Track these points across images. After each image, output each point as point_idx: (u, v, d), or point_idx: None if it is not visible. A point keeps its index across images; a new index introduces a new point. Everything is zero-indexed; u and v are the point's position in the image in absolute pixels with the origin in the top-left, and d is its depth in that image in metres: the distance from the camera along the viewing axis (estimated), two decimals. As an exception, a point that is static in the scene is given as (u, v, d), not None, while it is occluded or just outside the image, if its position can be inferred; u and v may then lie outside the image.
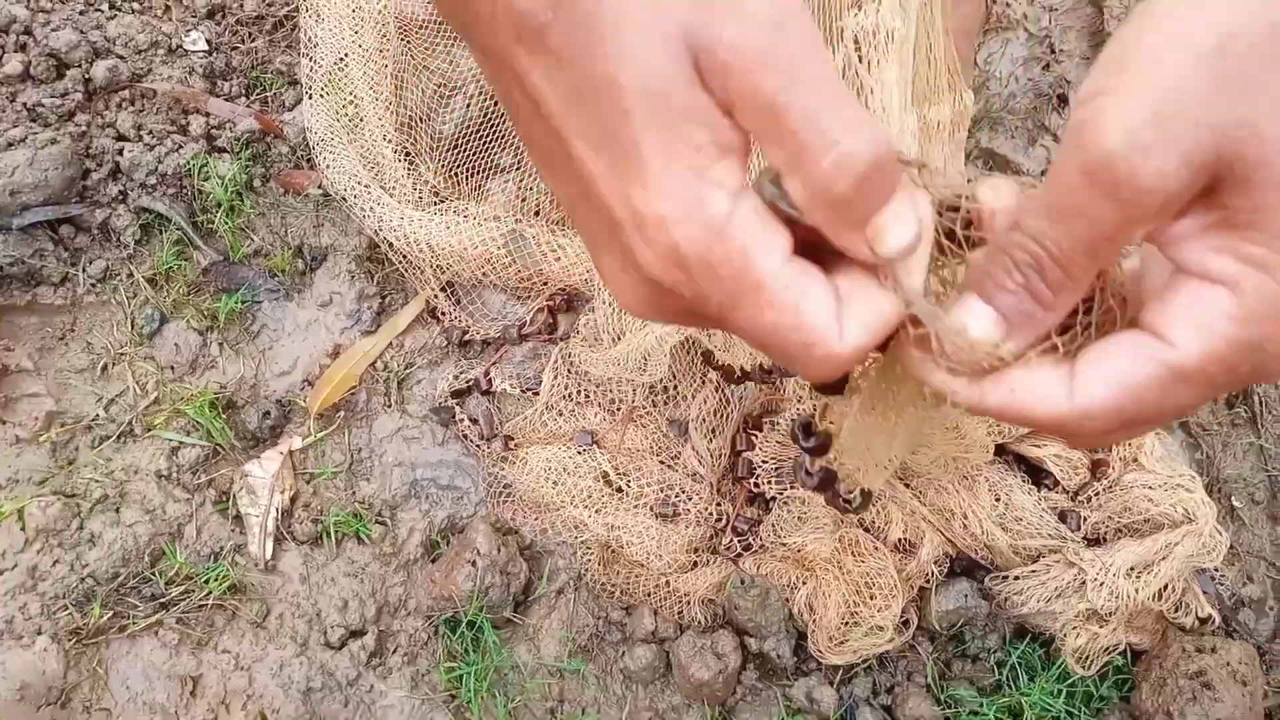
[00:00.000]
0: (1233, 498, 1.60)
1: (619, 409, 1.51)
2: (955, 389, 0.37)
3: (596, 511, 1.45)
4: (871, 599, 1.40)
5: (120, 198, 1.56)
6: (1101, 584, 1.39)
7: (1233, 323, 0.32)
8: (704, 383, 1.53)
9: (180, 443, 1.47)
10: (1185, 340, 0.33)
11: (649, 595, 1.42)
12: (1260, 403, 1.65)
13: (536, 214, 1.53)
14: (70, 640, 1.33)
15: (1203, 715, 1.30)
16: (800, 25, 0.31)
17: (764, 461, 1.49)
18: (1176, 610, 1.42)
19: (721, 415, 1.52)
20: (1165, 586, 1.42)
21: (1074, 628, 1.40)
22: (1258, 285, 0.31)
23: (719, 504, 1.48)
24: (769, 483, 1.48)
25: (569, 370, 1.50)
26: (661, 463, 1.49)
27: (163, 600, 1.38)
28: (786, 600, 1.40)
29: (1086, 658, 1.39)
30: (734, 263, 0.33)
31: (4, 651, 1.29)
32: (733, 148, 0.33)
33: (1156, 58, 0.30)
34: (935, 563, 1.42)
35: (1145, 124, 0.30)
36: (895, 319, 0.37)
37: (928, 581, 1.42)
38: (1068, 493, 1.49)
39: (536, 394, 1.51)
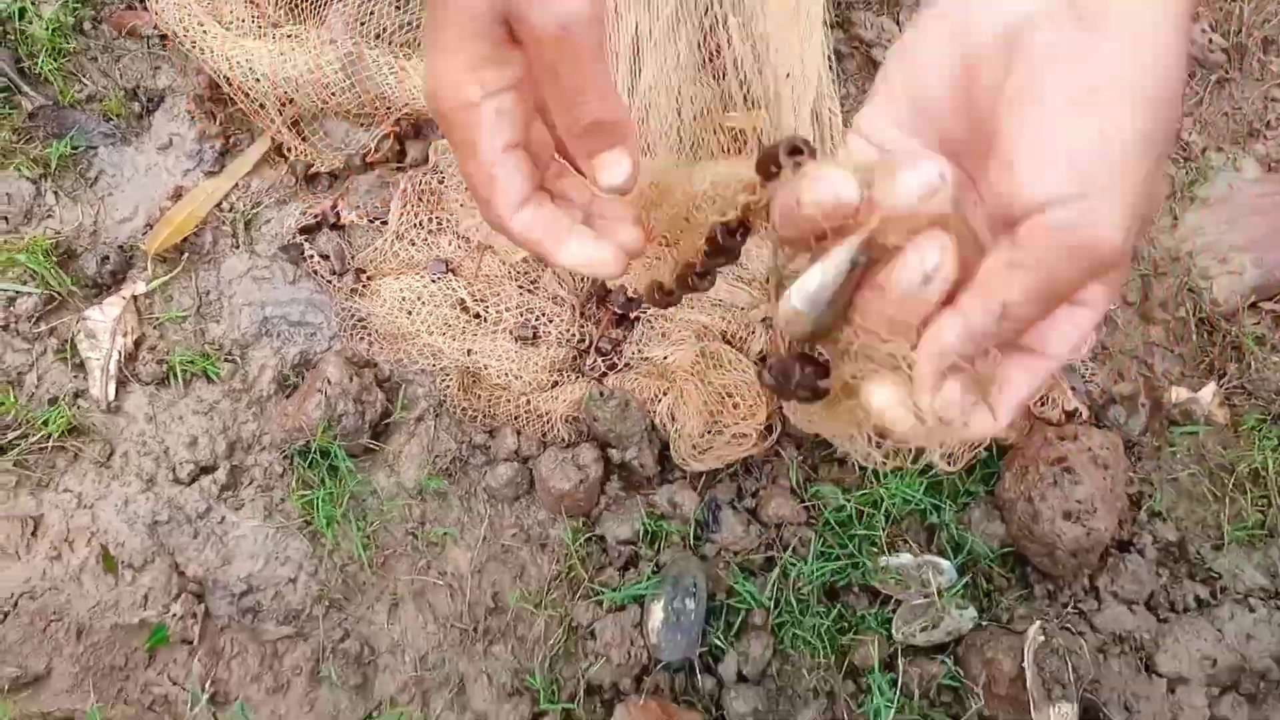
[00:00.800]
0: (1104, 302, 1.59)
1: (474, 236, 1.46)
2: (921, 435, 0.42)
3: (454, 338, 1.41)
4: (735, 407, 1.38)
5: (-63, 44, 1.48)
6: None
7: (1094, 327, 0.44)
8: (564, 207, 1.48)
9: (16, 292, 1.41)
10: (1060, 349, 0.43)
11: (512, 417, 1.39)
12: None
13: (378, 38, 1.47)
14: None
15: (1063, 499, 1.29)
16: (583, 30, 0.45)
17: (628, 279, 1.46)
18: (1043, 405, 1.42)
19: (582, 238, 1.48)
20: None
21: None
22: (1108, 295, 0.42)
23: (582, 326, 1.44)
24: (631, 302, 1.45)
25: (419, 199, 1.45)
26: (521, 288, 1.45)
27: (-1, 446, 1.32)
28: (649, 411, 1.37)
29: (952, 454, 1.39)
30: (465, 127, 0.48)
31: None
32: (510, 64, 0.48)
33: (1135, 167, 0.36)
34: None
35: (1135, 224, 0.37)
36: (532, 246, 0.52)
37: (792, 387, 1.40)
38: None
39: (386, 224, 1.46)
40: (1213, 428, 1.49)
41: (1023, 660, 1.20)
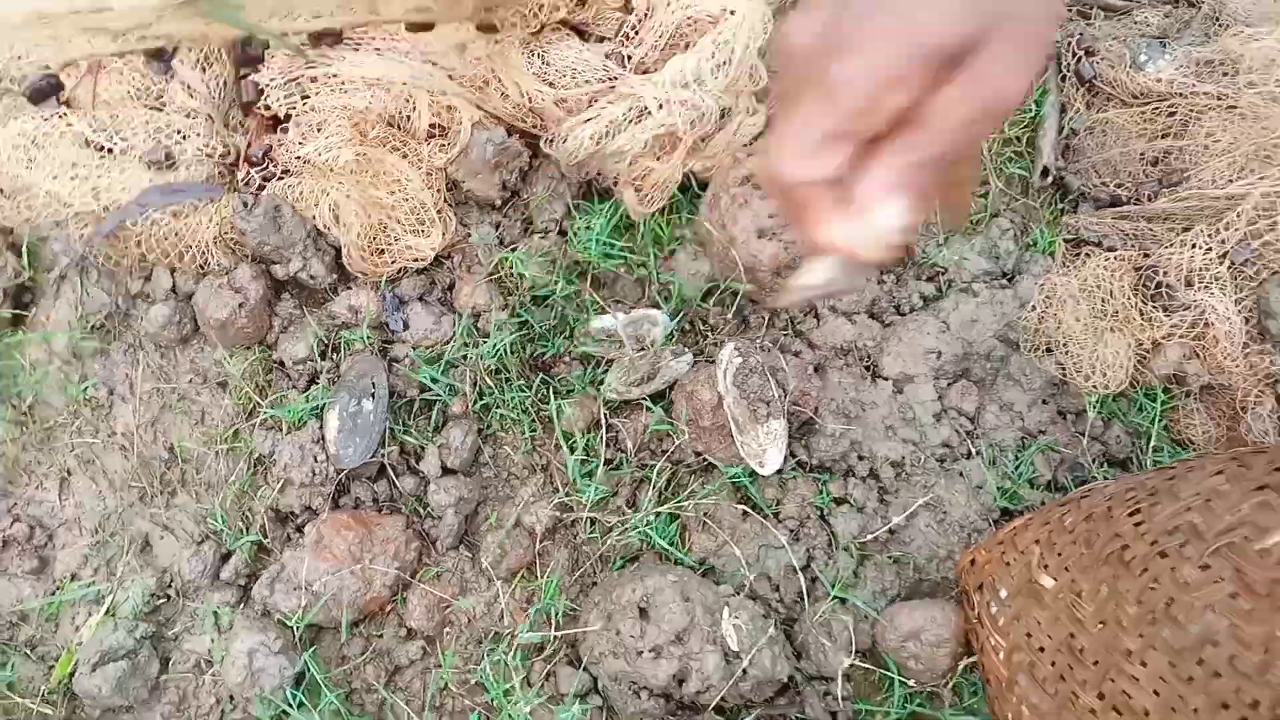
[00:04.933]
0: None
1: (86, 61, 1.28)
2: None
3: (84, 180, 1.25)
4: (407, 202, 1.26)
5: None
6: (661, 105, 1.28)
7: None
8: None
9: None
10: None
11: (164, 254, 1.25)
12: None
13: None
14: None
15: (754, 216, 1.21)
16: None
17: (272, 80, 1.30)
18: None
19: (211, 40, 1.31)
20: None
21: (634, 164, 1.29)
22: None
23: (227, 137, 1.29)
24: (280, 101, 1.29)
25: None
26: (149, 107, 1.28)
27: None
28: (312, 216, 1.24)
29: (647, 197, 1.29)
30: None
31: None
32: None
33: None
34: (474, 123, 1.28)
35: None
36: None
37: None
38: (610, 39, 1.35)
39: (-27, 64, 1.26)
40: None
41: (719, 386, 1.14)
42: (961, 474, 1.20)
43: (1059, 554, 0.98)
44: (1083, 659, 0.90)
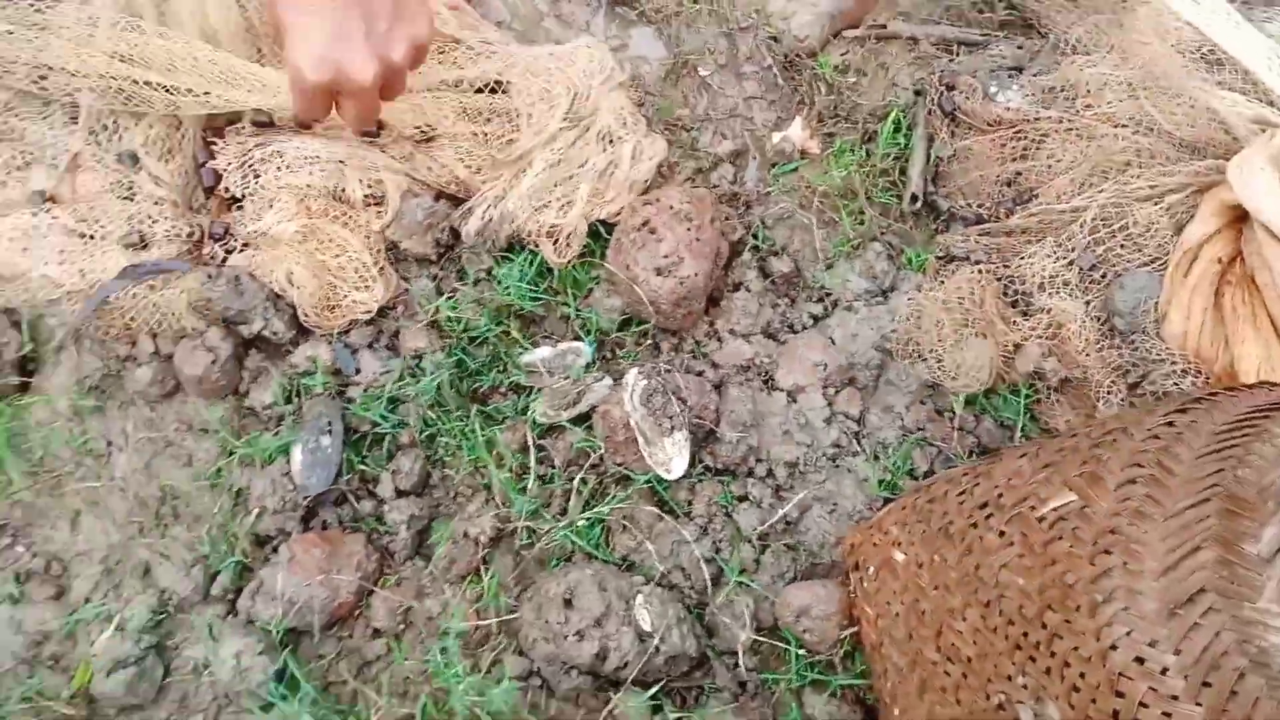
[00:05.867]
0: (699, 68, 1.67)
1: (66, 161, 1.47)
2: None
3: (71, 263, 1.44)
4: (349, 279, 1.44)
5: None
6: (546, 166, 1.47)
7: None
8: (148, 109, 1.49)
9: None
10: None
11: (147, 323, 1.43)
12: None
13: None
14: None
15: (651, 256, 1.40)
16: None
17: (228, 165, 1.49)
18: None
19: (174, 136, 1.50)
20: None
21: (538, 223, 1.47)
22: None
23: (192, 219, 1.48)
24: (237, 183, 1.48)
25: (-5, 135, 1.44)
26: (120, 198, 1.47)
27: None
28: (270, 282, 1.43)
29: (560, 248, 1.48)
30: None
31: None
32: None
33: None
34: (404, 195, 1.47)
35: None
36: None
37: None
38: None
39: (-31, 168, 1.45)
40: (809, 160, 1.61)
41: (626, 406, 1.32)
42: (850, 470, 1.39)
43: (909, 532, 1.17)
44: (924, 620, 1.09)
